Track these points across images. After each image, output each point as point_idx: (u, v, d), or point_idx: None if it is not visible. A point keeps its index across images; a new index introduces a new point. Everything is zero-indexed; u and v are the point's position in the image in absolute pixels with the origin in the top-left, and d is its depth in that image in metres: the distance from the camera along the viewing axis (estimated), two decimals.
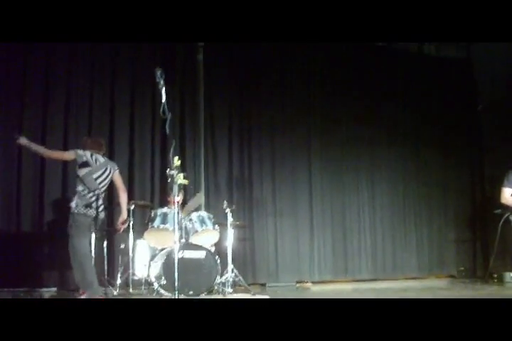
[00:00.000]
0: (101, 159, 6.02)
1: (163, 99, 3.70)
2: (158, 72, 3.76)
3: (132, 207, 6.87)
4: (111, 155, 7.21)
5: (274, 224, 8.83)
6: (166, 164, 8.17)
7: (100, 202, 5.89)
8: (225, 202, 7.16)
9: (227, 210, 7.07)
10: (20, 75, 7.44)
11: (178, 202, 3.62)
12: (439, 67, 10.01)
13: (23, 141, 5.54)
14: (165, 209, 6.76)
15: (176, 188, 3.59)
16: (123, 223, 6.36)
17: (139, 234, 6.86)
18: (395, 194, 9.56)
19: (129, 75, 8.17)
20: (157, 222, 6.55)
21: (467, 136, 9.93)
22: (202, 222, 6.79)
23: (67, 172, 7.52)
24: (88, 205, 5.77)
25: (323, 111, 9.38)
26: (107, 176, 6.02)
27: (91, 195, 5.82)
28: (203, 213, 6.91)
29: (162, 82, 3.72)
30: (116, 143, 7.89)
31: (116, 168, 6.24)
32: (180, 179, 3.59)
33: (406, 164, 9.67)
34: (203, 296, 6.28)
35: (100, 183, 5.92)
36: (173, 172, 3.56)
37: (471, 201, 9.69)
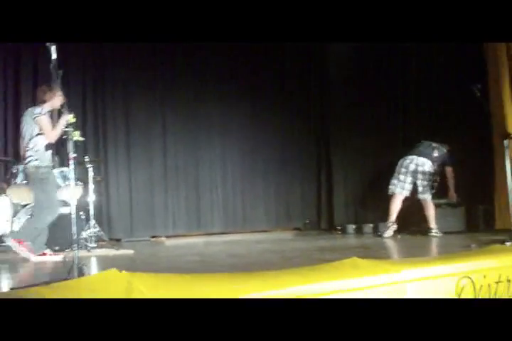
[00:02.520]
0: None
1: (53, 56, 3.60)
2: None
3: None
4: None
5: (128, 180, 8.83)
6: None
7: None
8: (86, 156, 7.10)
9: (89, 165, 7.03)
10: None
11: (74, 159, 3.58)
12: None
13: None
14: None
15: (71, 145, 3.55)
16: None
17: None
18: (245, 149, 9.78)
19: None
20: (20, 177, 6.38)
21: (314, 92, 10.23)
22: (64, 177, 6.70)
23: None
24: None
25: (177, 66, 9.31)
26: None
27: None
28: (65, 169, 6.80)
29: None
30: None
31: None
32: (76, 136, 3.57)
33: (256, 119, 9.84)
34: (68, 251, 6.24)
35: None
36: (69, 129, 3.51)
37: (317, 154, 10.12)
